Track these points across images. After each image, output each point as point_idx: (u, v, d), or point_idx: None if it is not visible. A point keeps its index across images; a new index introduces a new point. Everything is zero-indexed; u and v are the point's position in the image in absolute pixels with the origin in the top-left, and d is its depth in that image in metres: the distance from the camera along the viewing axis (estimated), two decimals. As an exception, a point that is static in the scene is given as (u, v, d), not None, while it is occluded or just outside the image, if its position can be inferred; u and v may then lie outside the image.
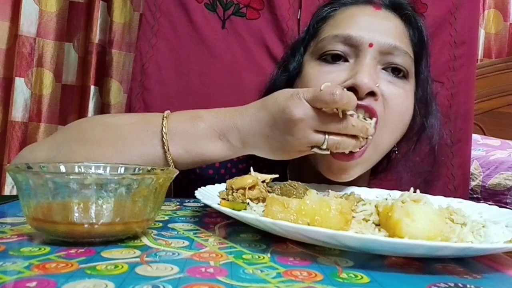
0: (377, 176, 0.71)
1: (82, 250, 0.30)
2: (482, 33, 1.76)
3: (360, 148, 0.52)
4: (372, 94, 0.54)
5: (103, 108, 1.41)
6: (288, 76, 0.66)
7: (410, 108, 0.61)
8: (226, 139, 0.53)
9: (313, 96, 0.47)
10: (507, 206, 1.22)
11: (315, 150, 0.49)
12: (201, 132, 0.53)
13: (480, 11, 1.67)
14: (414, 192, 0.39)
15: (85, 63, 1.39)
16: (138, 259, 0.29)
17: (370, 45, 0.57)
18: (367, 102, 0.54)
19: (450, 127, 1.19)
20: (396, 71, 0.59)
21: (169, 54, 1.16)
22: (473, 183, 1.32)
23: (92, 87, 1.38)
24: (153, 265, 0.28)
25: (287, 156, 0.52)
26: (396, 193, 0.54)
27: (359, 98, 0.52)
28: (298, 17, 1.18)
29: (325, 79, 0.56)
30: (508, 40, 1.77)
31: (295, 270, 0.28)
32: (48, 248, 0.30)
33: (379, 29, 0.58)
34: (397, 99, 0.57)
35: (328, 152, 0.49)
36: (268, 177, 0.46)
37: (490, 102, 1.68)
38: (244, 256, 0.31)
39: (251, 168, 0.48)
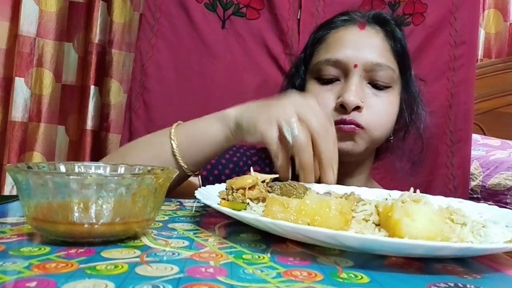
0: (378, 159, 0.82)
1: (82, 250, 0.30)
2: (482, 33, 1.76)
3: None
4: (357, 108, 0.66)
5: (103, 108, 1.41)
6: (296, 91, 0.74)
7: (394, 110, 0.72)
8: (224, 119, 0.59)
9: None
10: (507, 206, 1.22)
11: (283, 126, 0.51)
12: (204, 119, 0.61)
13: (480, 11, 1.67)
14: (414, 192, 0.39)
15: (85, 63, 1.39)
16: (138, 259, 0.29)
17: (355, 66, 0.68)
18: (352, 116, 0.66)
19: (450, 127, 1.19)
20: (380, 84, 0.69)
21: (169, 54, 1.16)
22: (473, 183, 1.32)
23: (92, 87, 1.37)
24: (153, 265, 0.28)
25: (254, 130, 0.54)
26: (396, 193, 0.54)
27: (347, 112, 0.66)
28: (298, 17, 1.18)
29: (320, 96, 0.69)
30: (508, 40, 1.77)
31: (295, 270, 0.28)
32: (48, 248, 0.30)
33: (364, 49, 0.69)
34: (381, 108, 0.69)
35: (291, 141, 0.50)
36: (268, 177, 0.46)
37: (490, 102, 1.68)
38: (244, 256, 0.31)
39: (251, 168, 0.48)
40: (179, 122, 0.63)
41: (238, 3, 1.18)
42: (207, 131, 0.59)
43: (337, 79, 0.69)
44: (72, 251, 0.30)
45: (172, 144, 0.59)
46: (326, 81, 0.70)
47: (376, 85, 0.69)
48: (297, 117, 0.51)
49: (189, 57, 1.16)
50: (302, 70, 0.76)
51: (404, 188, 0.47)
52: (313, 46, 0.75)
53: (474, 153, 1.31)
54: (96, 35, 1.37)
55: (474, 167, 1.33)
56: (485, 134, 1.64)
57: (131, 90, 1.17)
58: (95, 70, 1.38)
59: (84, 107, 1.38)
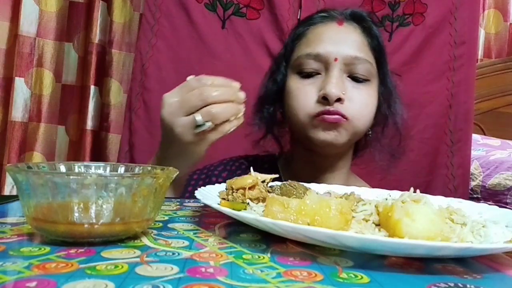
0: (357, 155, 0.83)
1: (82, 250, 0.30)
2: (482, 33, 1.76)
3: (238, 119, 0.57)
4: (339, 99, 0.67)
5: (103, 108, 1.41)
6: (277, 87, 0.78)
7: (373, 102, 0.74)
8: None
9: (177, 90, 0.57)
10: (507, 206, 1.22)
11: (197, 130, 0.54)
12: None
13: (480, 11, 1.67)
14: (414, 192, 0.39)
15: (85, 63, 1.39)
16: (138, 259, 0.29)
17: (335, 59, 0.69)
18: (335, 107, 0.67)
19: (450, 127, 1.19)
20: (359, 77, 0.71)
21: (169, 54, 1.16)
22: (473, 183, 1.32)
23: (92, 87, 1.37)
24: (153, 265, 0.28)
25: (197, 150, 0.58)
26: (396, 193, 0.54)
27: (330, 104, 0.67)
28: (298, 17, 1.18)
29: (303, 90, 0.71)
30: (508, 40, 1.77)
31: (295, 270, 0.28)
32: (48, 248, 0.30)
33: (343, 43, 0.71)
34: (361, 100, 0.70)
35: (210, 124, 0.54)
36: (268, 177, 0.46)
37: (490, 102, 1.68)
38: (244, 256, 0.31)
39: (251, 168, 0.48)
40: None
41: (238, 3, 1.18)
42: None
43: (317, 73, 0.71)
44: (72, 251, 0.30)
45: None
46: (307, 75, 0.71)
47: (355, 78, 0.71)
48: (184, 111, 0.55)
49: (189, 57, 1.16)
50: (283, 66, 0.78)
51: (403, 188, 0.47)
52: (293, 41, 0.77)
53: (474, 153, 1.31)
54: (96, 35, 1.37)
55: (474, 167, 1.33)
56: (485, 134, 1.64)
57: (131, 90, 1.17)
58: (95, 70, 1.38)
59: (84, 107, 1.38)
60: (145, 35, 1.15)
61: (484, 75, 1.66)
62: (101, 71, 1.40)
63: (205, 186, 0.67)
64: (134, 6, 1.44)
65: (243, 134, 0.81)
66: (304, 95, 0.70)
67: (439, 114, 1.19)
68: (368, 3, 1.19)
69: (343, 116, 0.67)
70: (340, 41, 0.71)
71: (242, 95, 0.57)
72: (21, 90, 1.34)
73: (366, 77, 0.71)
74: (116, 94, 1.42)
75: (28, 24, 1.35)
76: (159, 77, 1.15)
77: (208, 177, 0.81)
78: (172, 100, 0.56)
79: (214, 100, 0.54)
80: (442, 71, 1.19)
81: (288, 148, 0.85)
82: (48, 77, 1.39)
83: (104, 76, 1.41)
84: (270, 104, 0.79)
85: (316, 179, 0.75)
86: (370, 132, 0.78)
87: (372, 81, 0.73)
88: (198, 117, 0.54)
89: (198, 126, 0.54)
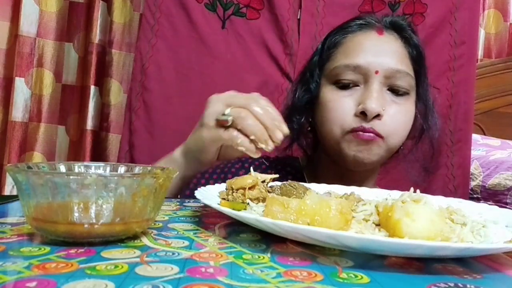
0: (385, 165, 0.79)
1: (82, 250, 0.30)
2: (482, 33, 1.75)
3: (270, 145, 0.53)
4: (377, 115, 0.64)
5: (103, 108, 1.41)
6: (310, 96, 0.75)
7: (410, 118, 0.71)
8: (184, 156, 0.61)
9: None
10: (507, 206, 1.22)
11: (218, 116, 0.53)
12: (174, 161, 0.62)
13: (480, 11, 1.67)
14: (414, 192, 0.39)
15: (85, 63, 1.39)
16: (138, 259, 0.29)
17: (376, 72, 0.66)
18: (371, 124, 0.64)
19: (450, 127, 1.19)
20: (399, 90, 0.68)
21: (169, 54, 1.16)
22: (473, 183, 1.32)
23: (92, 87, 1.37)
24: (153, 265, 0.28)
25: (203, 142, 0.56)
26: (396, 193, 0.54)
27: (367, 119, 0.64)
28: (298, 17, 1.18)
29: (340, 102, 0.67)
30: (508, 40, 1.77)
31: (295, 270, 0.28)
32: (48, 248, 0.30)
33: (384, 55, 0.68)
34: (400, 116, 0.68)
35: (231, 118, 0.52)
36: (268, 177, 0.46)
37: (490, 102, 1.68)
38: (244, 256, 0.31)
39: (251, 168, 0.48)
40: None
41: (238, 3, 1.18)
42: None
43: (356, 85, 0.68)
44: (72, 251, 0.30)
45: None
46: (344, 86, 0.68)
47: (395, 92, 0.68)
48: (224, 102, 0.54)
49: (189, 57, 1.16)
50: (317, 74, 0.74)
51: (402, 188, 0.47)
52: (329, 49, 0.73)
53: (474, 153, 1.31)
54: (96, 35, 1.37)
55: (474, 167, 1.33)
56: (485, 134, 1.64)
57: (131, 90, 1.17)
58: (95, 70, 1.38)
59: (84, 107, 1.38)
60: (145, 35, 1.15)
61: (484, 75, 1.66)
62: (101, 71, 1.40)
63: (220, 183, 0.68)
64: (134, 6, 1.44)
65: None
66: (341, 108, 0.67)
67: (439, 114, 1.19)
68: (368, 3, 1.20)
69: (378, 134, 0.65)
70: (381, 52, 0.68)
71: (279, 135, 0.52)
72: (21, 90, 1.34)
73: (406, 90, 0.68)
74: (116, 94, 1.42)
75: (28, 24, 1.35)
76: (159, 77, 1.15)
77: (224, 174, 0.77)
78: (219, 96, 0.56)
79: (255, 111, 0.51)
80: (442, 71, 1.19)
81: (311, 153, 0.81)
82: (48, 77, 1.39)
83: (104, 76, 1.41)
84: (300, 113, 0.76)
85: None
86: (402, 147, 0.74)
87: (411, 95, 0.70)
88: (228, 108, 0.52)
89: (222, 115, 0.53)
